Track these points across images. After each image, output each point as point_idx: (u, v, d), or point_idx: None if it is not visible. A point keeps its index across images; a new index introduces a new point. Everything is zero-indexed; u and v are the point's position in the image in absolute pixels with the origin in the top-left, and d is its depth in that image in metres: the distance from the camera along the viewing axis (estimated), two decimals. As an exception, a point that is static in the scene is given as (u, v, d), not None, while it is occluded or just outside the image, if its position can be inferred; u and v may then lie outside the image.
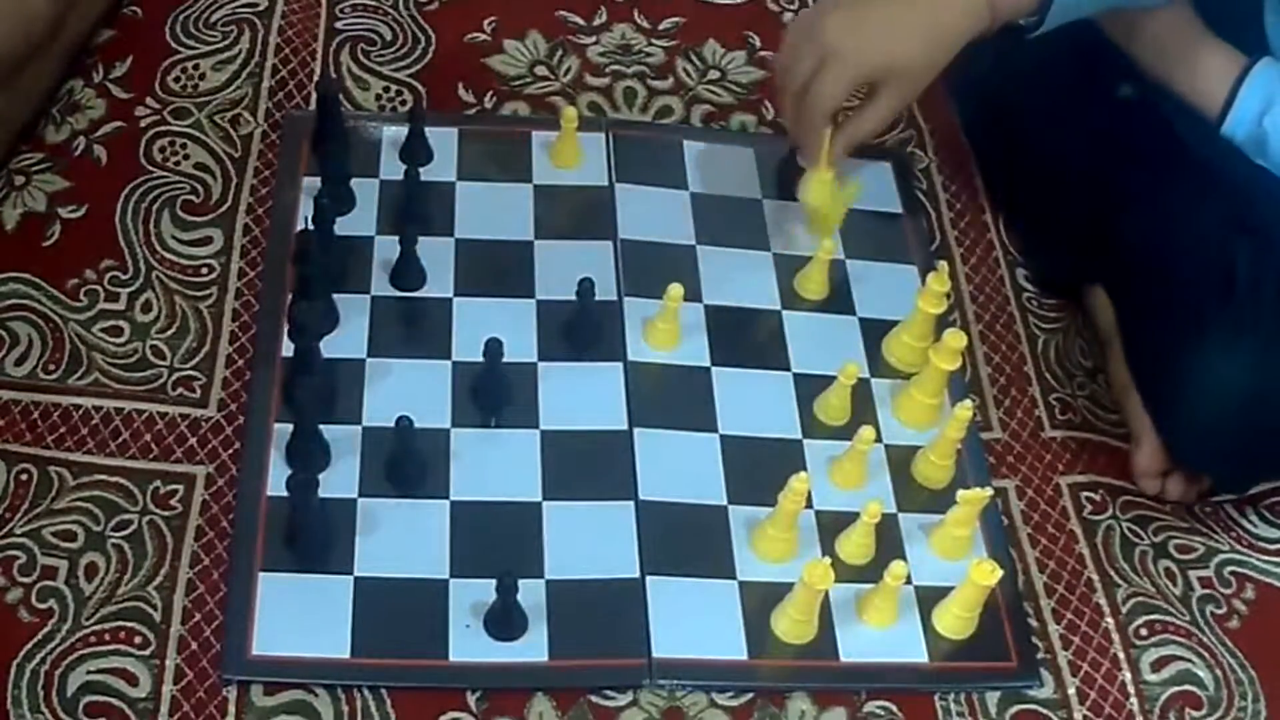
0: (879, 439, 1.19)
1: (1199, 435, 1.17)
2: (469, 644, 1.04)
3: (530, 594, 1.05)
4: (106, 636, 1.02)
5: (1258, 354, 1.11)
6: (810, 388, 1.22)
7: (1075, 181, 1.31)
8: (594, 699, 1.04)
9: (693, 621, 1.08)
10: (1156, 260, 1.20)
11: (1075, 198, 1.31)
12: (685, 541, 1.12)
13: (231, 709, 1.00)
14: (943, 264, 1.24)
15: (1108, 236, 1.27)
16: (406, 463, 1.11)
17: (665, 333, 1.23)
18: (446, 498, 1.11)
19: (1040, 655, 1.11)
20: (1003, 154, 1.42)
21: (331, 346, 1.17)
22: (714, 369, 1.23)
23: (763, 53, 1.51)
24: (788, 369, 1.24)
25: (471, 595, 1.06)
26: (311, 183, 1.29)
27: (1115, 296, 1.30)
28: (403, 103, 1.40)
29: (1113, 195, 1.26)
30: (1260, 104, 1.15)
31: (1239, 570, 1.19)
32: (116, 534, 1.07)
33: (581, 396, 1.17)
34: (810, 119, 1.20)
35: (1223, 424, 1.14)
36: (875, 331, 1.28)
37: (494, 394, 1.17)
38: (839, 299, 1.30)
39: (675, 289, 1.21)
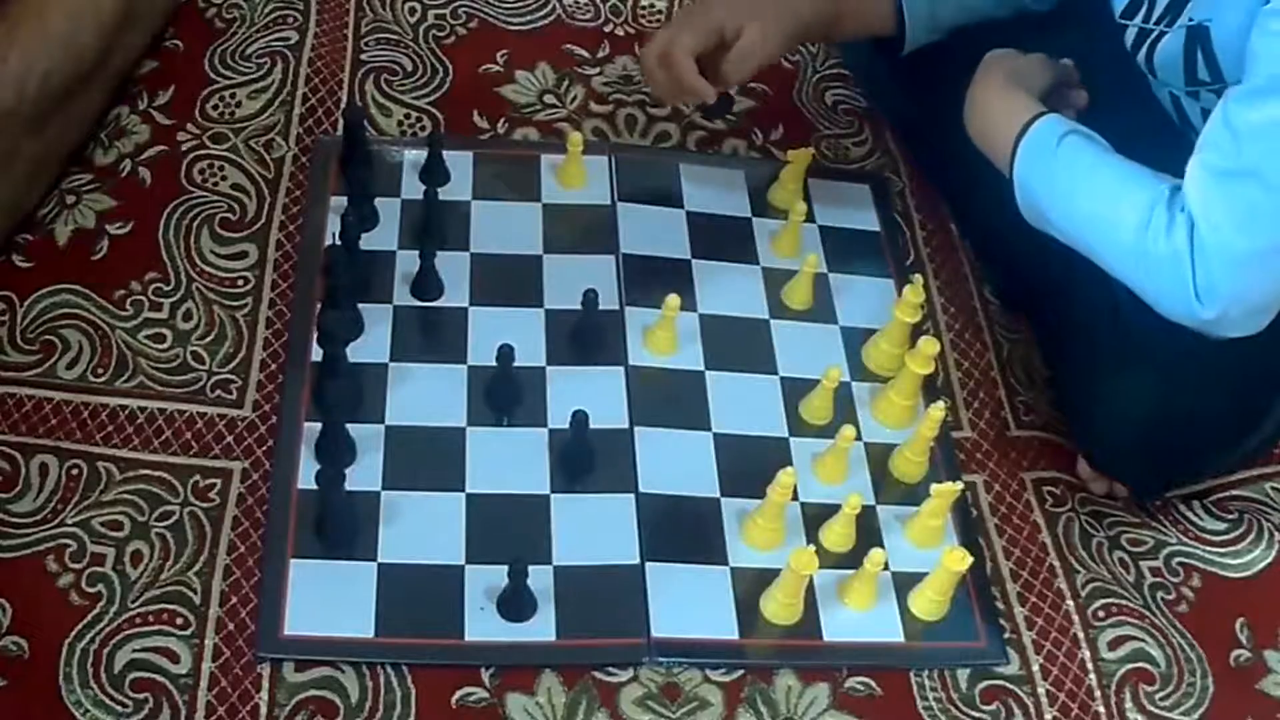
0: (859, 437, 1.19)
1: (1108, 451, 1.17)
2: (483, 624, 1.04)
3: (539, 579, 1.06)
4: (150, 618, 1.02)
5: (1149, 378, 1.09)
6: (796, 390, 1.22)
7: (1002, 214, 1.26)
8: (598, 675, 1.04)
9: (688, 604, 1.08)
10: (1058, 291, 1.19)
11: (1002, 229, 1.27)
12: (681, 531, 1.12)
13: (265, 684, 1.00)
14: (917, 277, 1.24)
15: (1026, 268, 1.26)
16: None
17: (663, 339, 1.23)
18: (462, 490, 1.11)
19: (1007, 635, 1.11)
20: (951, 186, 1.42)
21: (357, 352, 1.17)
22: (708, 373, 1.23)
23: (753, 85, 1.51)
24: (775, 373, 1.24)
25: (485, 580, 1.06)
26: (339, 202, 1.29)
27: (1037, 320, 1.30)
28: (422, 128, 1.40)
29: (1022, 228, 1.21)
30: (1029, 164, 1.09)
31: (1186, 561, 1.19)
32: (160, 524, 1.08)
33: (586, 398, 1.17)
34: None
35: (1126, 442, 1.13)
36: (855, 339, 1.28)
37: (506, 395, 1.17)
38: (822, 309, 1.30)
39: (673, 299, 1.21)
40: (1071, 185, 1.07)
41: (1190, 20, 1.05)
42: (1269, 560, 1.20)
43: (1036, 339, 1.31)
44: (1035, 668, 1.10)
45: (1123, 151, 1.08)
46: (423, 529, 1.09)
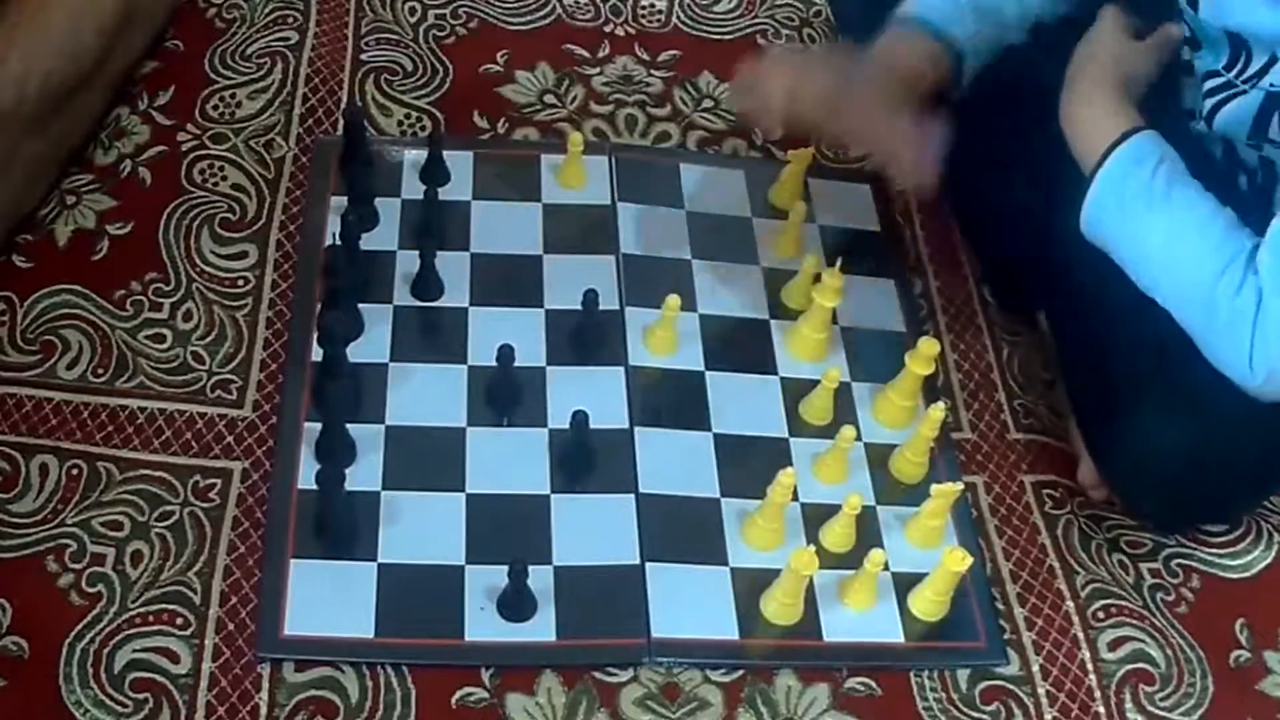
0: (859, 438, 1.19)
1: (1136, 489, 1.16)
2: (483, 625, 1.04)
3: (539, 579, 1.05)
4: (150, 618, 1.02)
5: (1191, 422, 1.07)
6: (796, 391, 1.22)
7: (1017, 226, 1.25)
8: (597, 675, 1.04)
9: (688, 604, 1.08)
10: (1096, 322, 1.16)
11: (1017, 240, 1.26)
12: (681, 531, 1.12)
13: (265, 685, 1.00)
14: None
15: (1051, 285, 1.24)
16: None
17: (663, 340, 1.23)
18: (462, 490, 1.11)
19: (1007, 635, 1.11)
20: (955, 192, 1.40)
21: (357, 352, 1.17)
22: (708, 373, 1.23)
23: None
24: (775, 373, 1.24)
25: (485, 580, 1.06)
26: (339, 202, 1.29)
27: (1058, 339, 1.27)
28: (423, 128, 1.40)
29: (1053, 248, 1.18)
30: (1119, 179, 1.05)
31: (1185, 563, 1.19)
32: (160, 524, 1.07)
33: (586, 398, 1.16)
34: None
35: (1158, 482, 1.12)
36: (856, 339, 1.27)
37: (506, 395, 1.17)
38: (823, 309, 1.30)
39: (672, 299, 1.21)
40: (1154, 215, 1.04)
41: (1272, 86, 1.03)
42: (1268, 561, 1.19)
43: (1061, 368, 1.27)
44: (1035, 668, 1.09)
45: None
46: (423, 529, 1.08)
